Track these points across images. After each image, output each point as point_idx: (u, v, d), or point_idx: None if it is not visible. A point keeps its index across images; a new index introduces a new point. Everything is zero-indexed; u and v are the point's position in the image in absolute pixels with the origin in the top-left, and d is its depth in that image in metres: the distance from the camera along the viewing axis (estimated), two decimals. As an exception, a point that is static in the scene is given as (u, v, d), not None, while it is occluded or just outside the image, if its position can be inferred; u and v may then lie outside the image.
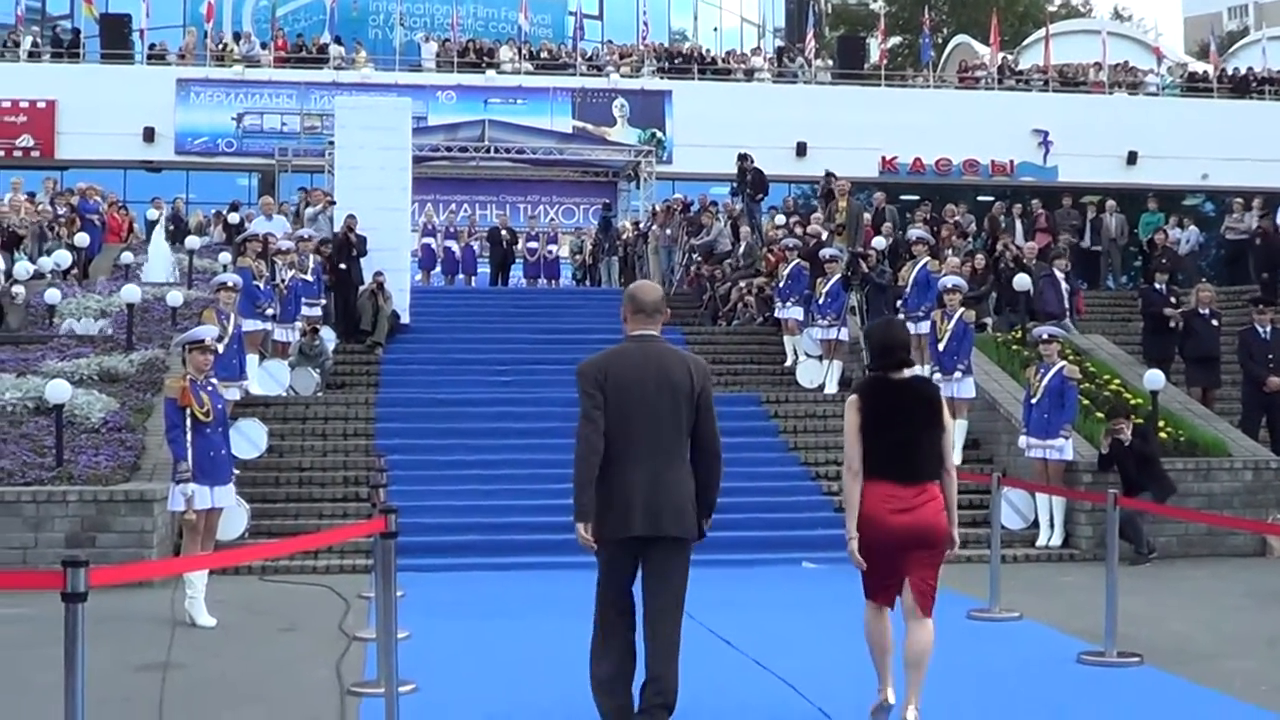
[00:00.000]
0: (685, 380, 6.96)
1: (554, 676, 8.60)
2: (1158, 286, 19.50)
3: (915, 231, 20.44)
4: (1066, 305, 20.82)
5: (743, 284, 23.17)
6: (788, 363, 20.48)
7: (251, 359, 17.18)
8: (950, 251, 21.34)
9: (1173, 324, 18.80)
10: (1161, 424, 15.85)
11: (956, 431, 16.64)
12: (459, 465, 16.20)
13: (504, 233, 30.57)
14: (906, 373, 7.25)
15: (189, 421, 10.98)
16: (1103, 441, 15.25)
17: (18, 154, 35.41)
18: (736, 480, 15.61)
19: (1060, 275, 20.82)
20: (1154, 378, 16.25)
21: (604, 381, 6.91)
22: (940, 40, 54.34)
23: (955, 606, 11.59)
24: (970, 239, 24.30)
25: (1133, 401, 16.34)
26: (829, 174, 25.34)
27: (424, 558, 13.68)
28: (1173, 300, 19.18)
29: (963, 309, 16.96)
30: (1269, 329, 17.42)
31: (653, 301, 7.13)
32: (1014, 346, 18.76)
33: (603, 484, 6.87)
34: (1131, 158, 38.70)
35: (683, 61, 40.26)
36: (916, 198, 31.50)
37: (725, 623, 10.57)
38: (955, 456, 16.12)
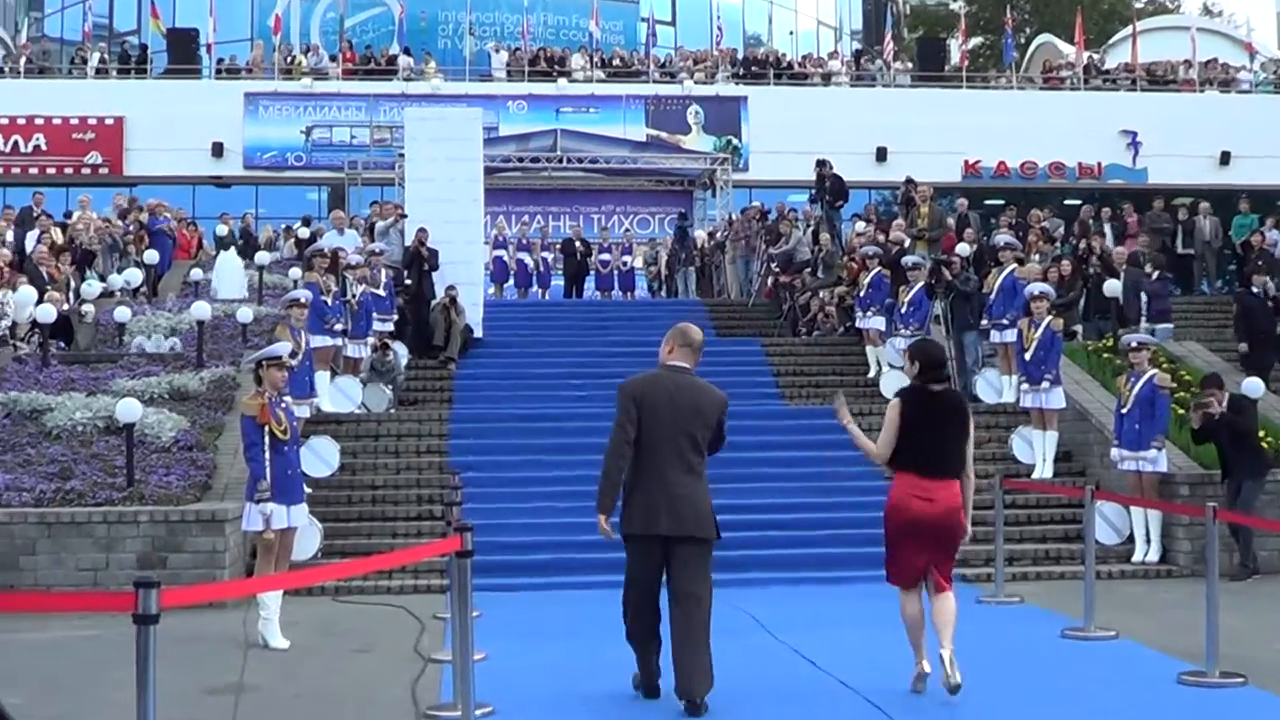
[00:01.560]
0: (709, 408, 8.50)
1: (634, 701, 8.56)
2: (1255, 290, 19.18)
3: (1002, 237, 20.26)
4: (1143, 311, 20.54)
5: (823, 294, 23.07)
6: (871, 374, 20.35)
7: (322, 375, 17.29)
8: (1037, 257, 21.13)
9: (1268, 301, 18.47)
10: (1262, 434, 15.57)
11: (1046, 443, 16.46)
12: (535, 482, 16.20)
13: (578, 244, 30.65)
14: (939, 386, 8.87)
15: (267, 440, 11.06)
16: (1192, 415, 14.93)
17: (86, 171, 35.94)
18: (820, 495, 15.66)
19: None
20: (1253, 385, 15.97)
21: (640, 400, 8.43)
22: (1023, 40, 53.89)
23: (1049, 625, 11.47)
24: (1057, 244, 24.04)
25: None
26: (909, 180, 25.21)
27: (500, 577, 13.69)
28: (1270, 303, 18.85)
29: (1050, 316, 16.77)
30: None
31: (698, 341, 8.73)
32: (1105, 355, 18.53)
33: (634, 488, 8.40)
34: (1224, 158, 38.18)
35: (758, 67, 40.21)
36: (1001, 202, 31.24)
37: (809, 642, 10.50)
38: (1046, 470, 16.14)
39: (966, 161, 37.82)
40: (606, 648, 10.62)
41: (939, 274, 20.26)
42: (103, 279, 22.21)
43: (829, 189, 26.25)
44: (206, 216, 31.89)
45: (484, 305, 22.87)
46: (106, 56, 39.48)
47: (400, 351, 20.03)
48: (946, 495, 8.60)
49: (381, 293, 19.80)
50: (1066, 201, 35.23)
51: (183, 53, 38.45)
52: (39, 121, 36.14)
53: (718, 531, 8.47)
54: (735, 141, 37.82)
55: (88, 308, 20.30)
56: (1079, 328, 20.40)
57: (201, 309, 18.22)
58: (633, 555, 8.52)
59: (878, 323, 20.40)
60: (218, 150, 36.40)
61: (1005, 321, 18.07)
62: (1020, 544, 15.10)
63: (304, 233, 27.15)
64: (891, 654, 10.00)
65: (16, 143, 36.02)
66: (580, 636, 11.29)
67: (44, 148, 36.10)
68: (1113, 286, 19.95)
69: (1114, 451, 15.21)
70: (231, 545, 13.32)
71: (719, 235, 29.85)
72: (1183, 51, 42.21)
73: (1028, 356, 16.59)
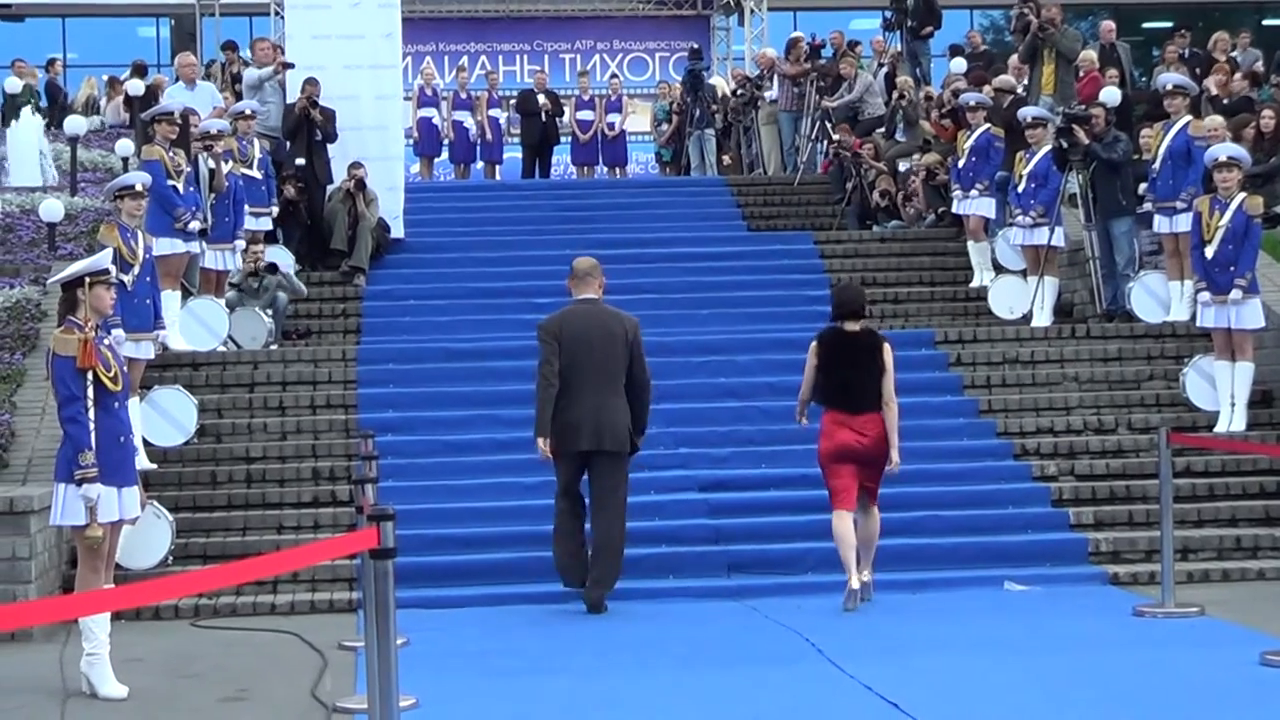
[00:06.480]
0: (620, 332, 13.53)
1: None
2: None
3: (1169, 77, 20.15)
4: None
5: (903, 165, 23.01)
6: (975, 282, 20.32)
7: (170, 297, 17.23)
8: (1224, 99, 20.98)
9: None
10: None
11: (1237, 380, 16.33)
12: (482, 447, 16.23)
13: (542, 98, 30.49)
14: (858, 326, 13.48)
15: (91, 392, 10.99)
16: None
17: None
18: (904, 461, 15.58)
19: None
20: None
21: (560, 333, 13.45)
22: None
23: (1242, 648, 11.42)
24: (1259, 86, 23.92)
25: None
26: (1027, -2, 25.06)
27: (435, 587, 13.75)
28: None
29: (1244, 194, 16.70)
30: None
31: (582, 270, 13.81)
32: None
33: (559, 410, 13.33)
34: None
35: None
36: (1168, 24, 31.14)
37: (892, 677, 10.51)
38: (1237, 420, 16.05)
39: (1116, -36, 37.75)
40: (586, 687, 10.66)
41: (1073, 134, 20.19)
42: None
43: (912, 10, 26.15)
44: (-9, 66, 31.77)
45: (405, 191, 22.81)
46: None
47: (285, 261, 19.99)
48: (871, 428, 13.18)
49: (256, 174, 19.74)
50: (1267, 21, 35.08)
51: None
52: None
53: (634, 446, 13.51)
54: (773, -58, 37.64)
55: None
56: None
57: (-14, 202, 18.18)
58: (559, 471, 13.48)
59: (984, 206, 20.36)
60: (3, -35, 36.22)
61: (1178, 203, 18.01)
62: (1199, 529, 15.09)
63: (136, 87, 27.05)
64: (1007, 699, 10.03)
65: None
66: (548, 671, 11.34)
67: None
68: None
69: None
70: (38, 548, 13.30)
71: (750, 83, 29.71)
72: None
73: (1210, 253, 16.53)
